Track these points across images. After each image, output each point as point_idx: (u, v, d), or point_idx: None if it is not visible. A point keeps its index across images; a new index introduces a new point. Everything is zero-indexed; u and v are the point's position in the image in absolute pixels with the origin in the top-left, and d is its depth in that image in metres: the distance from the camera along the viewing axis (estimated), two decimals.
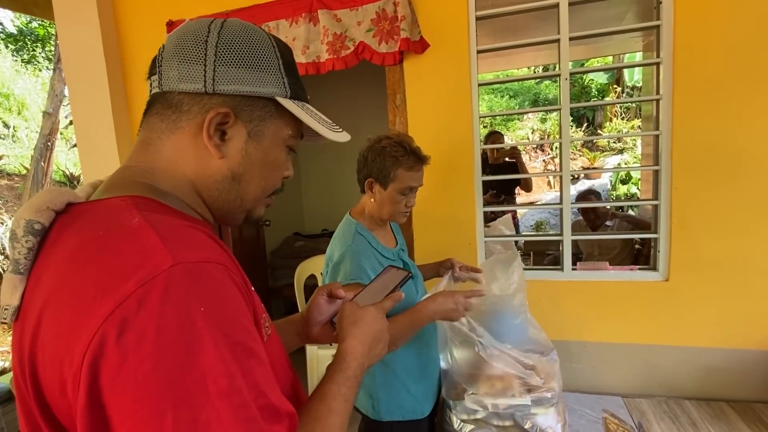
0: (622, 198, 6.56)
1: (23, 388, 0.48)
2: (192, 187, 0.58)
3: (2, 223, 5.30)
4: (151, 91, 0.58)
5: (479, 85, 1.71)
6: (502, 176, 2.92)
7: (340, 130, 0.65)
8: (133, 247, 0.44)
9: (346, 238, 1.22)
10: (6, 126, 7.73)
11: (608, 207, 2.89)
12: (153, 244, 0.44)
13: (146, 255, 0.43)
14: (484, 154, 2.56)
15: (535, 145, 8.88)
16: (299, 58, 1.77)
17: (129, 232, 0.46)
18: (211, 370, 0.41)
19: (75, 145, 7.63)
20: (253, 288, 0.62)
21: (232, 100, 0.55)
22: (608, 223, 2.83)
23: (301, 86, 0.62)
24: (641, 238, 2.65)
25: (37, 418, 0.46)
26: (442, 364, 1.36)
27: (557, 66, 1.66)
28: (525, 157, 8.38)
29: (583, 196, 3.24)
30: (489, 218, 1.92)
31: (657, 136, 1.59)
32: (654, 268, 1.64)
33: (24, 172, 6.93)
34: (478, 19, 1.66)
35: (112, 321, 0.40)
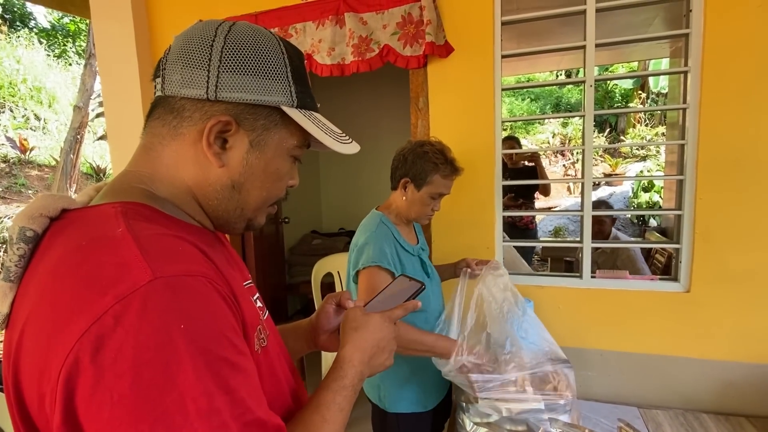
0: (644, 207, 6.44)
1: (10, 398, 0.47)
2: (190, 195, 0.56)
3: None
4: (155, 93, 0.56)
5: (503, 89, 1.71)
6: (523, 182, 2.90)
7: (349, 140, 0.63)
8: (113, 260, 0.43)
9: (370, 225, 1.30)
10: (37, 118, 7.99)
11: (613, 222, 2.77)
12: (133, 256, 0.43)
13: (125, 268, 0.42)
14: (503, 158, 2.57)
15: (555, 150, 8.76)
16: (324, 59, 1.80)
17: (110, 243, 0.44)
18: (191, 389, 0.40)
19: (101, 138, 7.86)
20: (253, 297, 0.60)
21: (235, 108, 0.53)
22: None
23: (309, 94, 0.60)
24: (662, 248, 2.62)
25: (20, 428, 0.46)
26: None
27: (581, 71, 1.65)
28: (545, 162, 8.28)
29: (595, 206, 3.14)
30: (507, 222, 1.92)
31: (682, 146, 1.57)
32: (675, 279, 1.62)
33: (54, 163, 7.16)
34: (503, 24, 1.66)
35: (87, 337, 0.39)
